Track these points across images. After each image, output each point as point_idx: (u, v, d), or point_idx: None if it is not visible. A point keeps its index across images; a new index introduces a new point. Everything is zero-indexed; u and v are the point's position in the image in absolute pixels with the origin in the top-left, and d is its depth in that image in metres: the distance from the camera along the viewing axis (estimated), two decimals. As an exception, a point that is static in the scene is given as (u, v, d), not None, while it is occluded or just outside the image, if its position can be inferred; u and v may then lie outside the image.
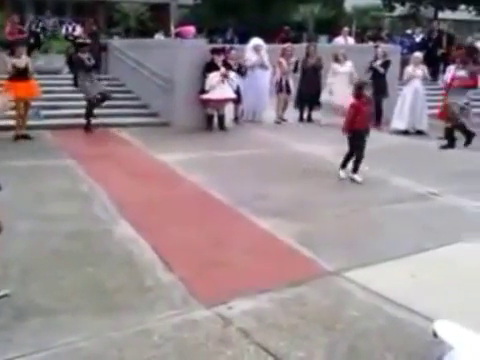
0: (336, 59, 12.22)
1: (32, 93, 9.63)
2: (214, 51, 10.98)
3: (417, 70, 11.30)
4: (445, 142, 9.90)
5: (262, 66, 11.85)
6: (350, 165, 7.45)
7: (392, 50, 13.12)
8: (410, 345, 3.38)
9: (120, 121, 11.10)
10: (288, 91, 12.07)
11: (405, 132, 11.21)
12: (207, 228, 5.44)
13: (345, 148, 7.46)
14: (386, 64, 11.75)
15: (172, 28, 16.04)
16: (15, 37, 13.87)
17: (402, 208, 6.27)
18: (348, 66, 12.08)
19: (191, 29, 15.37)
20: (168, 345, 3.32)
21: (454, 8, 31.78)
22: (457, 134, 10.00)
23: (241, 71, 11.33)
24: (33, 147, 8.95)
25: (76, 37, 15.30)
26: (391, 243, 5.14)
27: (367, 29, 23.51)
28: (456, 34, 20.03)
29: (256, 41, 12.19)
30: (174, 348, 3.30)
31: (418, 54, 11.87)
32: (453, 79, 10.30)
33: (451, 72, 10.67)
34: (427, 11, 32.17)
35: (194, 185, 6.99)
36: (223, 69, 10.71)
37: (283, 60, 11.96)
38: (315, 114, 12.30)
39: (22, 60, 9.50)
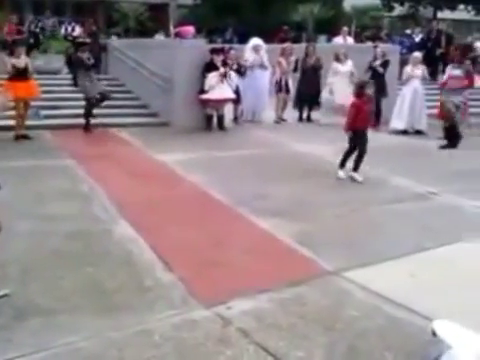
0: (337, 58, 12.24)
1: (32, 93, 9.63)
2: (213, 51, 10.99)
3: (416, 70, 11.31)
4: (444, 142, 9.91)
5: (261, 66, 11.86)
6: (349, 164, 7.46)
7: (391, 50, 13.14)
8: (409, 345, 3.38)
9: (120, 121, 11.10)
10: (287, 91, 12.08)
11: (404, 132, 11.23)
12: (207, 228, 5.44)
13: (345, 148, 7.46)
14: (385, 64, 11.76)
15: (171, 28, 16.04)
16: (13, 37, 13.87)
17: (402, 208, 6.27)
18: (349, 65, 12.10)
19: (190, 29, 15.37)
20: (167, 345, 3.32)
21: (453, 8, 31.78)
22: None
23: (240, 71, 11.34)
24: (33, 147, 8.95)
25: (75, 37, 15.31)
26: (390, 243, 5.14)
27: (366, 29, 23.52)
28: (455, 34, 20.03)
29: (255, 41, 12.21)
30: (173, 348, 3.30)
31: (417, 54, 11.88)
32: (449, 78, 10.32)
33: (447, 72, 10.70)
34: (426, 11, 32.17)
35: (194, 185, 6.99)
36: (222, 69, 10.72)
37: (282, 59, 11.97)
38: (314, 114, 12.31)
39: (21, 60, 9.50)
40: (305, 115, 12.38)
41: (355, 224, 5.72)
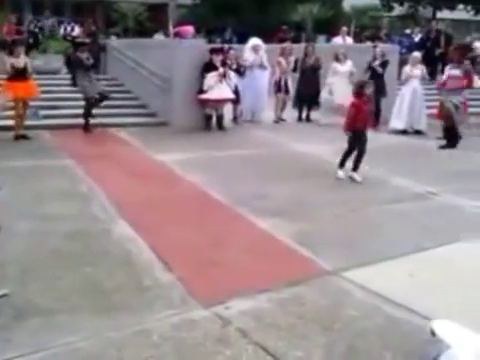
0: (336, 58, 12.24)
1: (31, 93, 9.63)
2: (213, 51, 10.99)
3: (415, 70, 11.32)
4: (444, 142, 9.92)
5: (261, 66, 11.86)
6: (349, 164, 7.46)
7: (390, 50, 13.14)
8: (408, 344, 3.38)
9: (119, 121, 11.10)
10: (286, 91, 12.08)
11: (403, 132, 11.23)
12: (206, 228, 5.44)
13: (344, 147, 7.46)
14: (384, 64, 11.75)
15: (170, 28, 16.03)
16: (13, 37, 13.86)
17: (401, 208, 6.27)
18: (348, 65, 12.09)
19: (190, 29, 15.34)
20: (167, 345, 3.32)
21: (452, 8, 31.77)
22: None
23: (240, 71, 11.34)
24: (32, 147, 8.95)
25: (74, 37, 15.31)
26: (390, 243, 5.14)
27: (365, 29, 23.51)
28: (454, 34, 20.04)
29: (255, 41, 12.21)
30: (173, 348, 3.30)
31: (416, 54, 11.89)
32: (448, 78, 10.32)
33: (446, 71, 10.70)
34: (425, 11, 32.16)
35: (193, 185, 6.99)
36: (222, 69, 10.72)
37: (282, 59, 11.97)
38: (314, 114, 12.31)
39: (21, 60, 9.49)
40: (304, 115, 12.38)
41: (354, 224, 5.72)
